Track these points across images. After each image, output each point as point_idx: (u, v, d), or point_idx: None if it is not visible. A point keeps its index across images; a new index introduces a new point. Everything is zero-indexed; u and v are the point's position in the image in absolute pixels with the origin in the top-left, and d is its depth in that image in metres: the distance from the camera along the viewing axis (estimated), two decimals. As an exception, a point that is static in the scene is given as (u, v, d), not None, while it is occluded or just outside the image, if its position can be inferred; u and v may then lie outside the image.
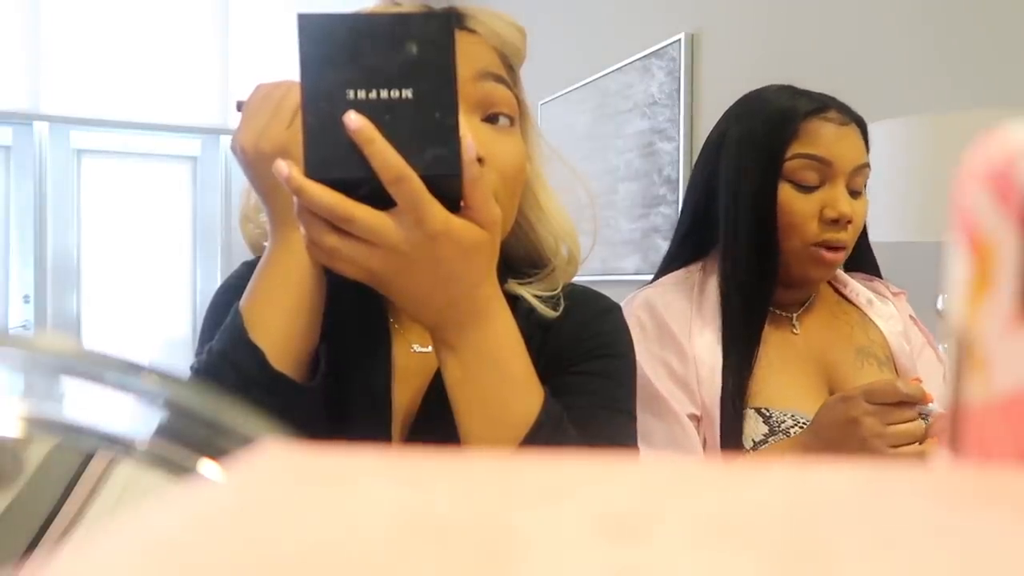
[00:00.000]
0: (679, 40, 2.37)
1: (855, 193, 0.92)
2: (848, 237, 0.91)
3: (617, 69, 2.67)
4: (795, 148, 0.90)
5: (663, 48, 2.44)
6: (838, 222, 0.89)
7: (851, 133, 0.92)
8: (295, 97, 0.56)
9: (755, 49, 2.14)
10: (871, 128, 1.31)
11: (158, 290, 3.63)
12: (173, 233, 3.67)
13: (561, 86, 2.98)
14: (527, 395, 0.53)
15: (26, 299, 3.39)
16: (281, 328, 0.56)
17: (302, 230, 0.46)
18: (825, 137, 0.90)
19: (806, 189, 0.90)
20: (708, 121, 1.03)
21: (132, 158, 3.61)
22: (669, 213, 2.41)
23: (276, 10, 3.48)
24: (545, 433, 0.52)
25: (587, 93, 2.86)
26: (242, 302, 0.58)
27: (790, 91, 0.95)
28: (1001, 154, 0.17)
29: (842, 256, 0.92)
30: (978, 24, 1.58)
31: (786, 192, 0.90)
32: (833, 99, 0.94)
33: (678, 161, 2.38)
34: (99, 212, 3.54)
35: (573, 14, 2.94)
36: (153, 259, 3.63)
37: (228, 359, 0.55)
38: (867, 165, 0.93)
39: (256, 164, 0.56)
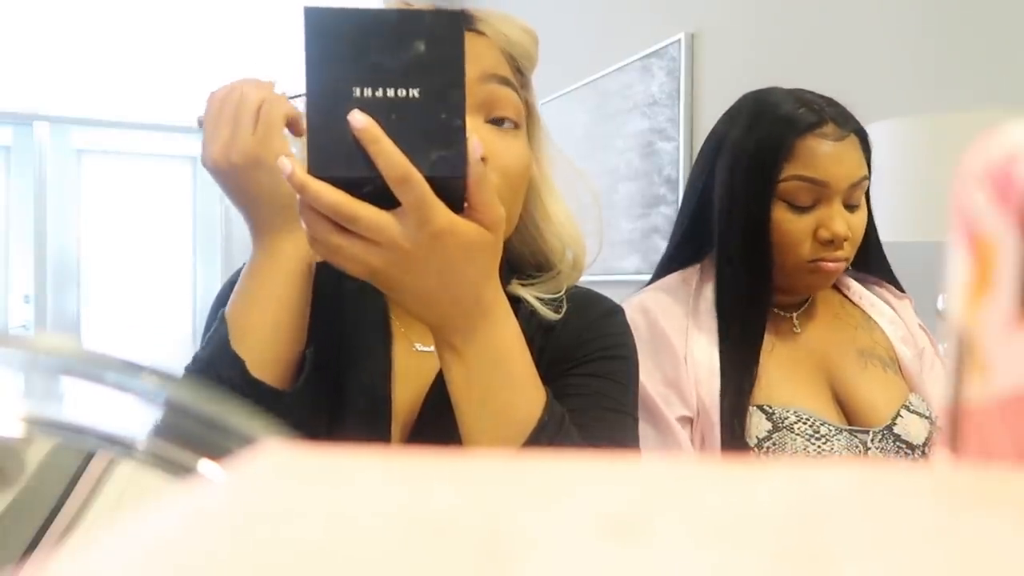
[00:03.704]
0: (679, 40, 2.37)
1: (852, 207, 0.90)
2: (845, 254, 0.90)
3: (617, 69, 2.67)
4: (789, 169, 0.88)
5: (663, 48, 2.44)
6: (832, 242, 0.88)
7: (848, 148, 0.88)
8: (253, 98, 0.56)
9: (755, 49, 2.14)
10: (871, 128, 1.32)
11: (158, 290, 3.63)
12: (173, 233, 3.67)
13: (561, 86, 2.98)
14: (530, 396, 0.53)
15: (26, 299, 3.39)
16: (264, 336, 0.57)
17: (303, 226, 0.46)
18: (820, 157, 0.87)
19: (800, 210, 0.88)
20: (708, 121, 1.02)
21: (132, 158, 3.61)
22: (669, 213, 2.41)
23: (277, 10, 3.48)
24: (547, 434, 0.52)
25: (587, 93, 2.86)
26: (227, 308, 0.59)
27: (790, 99, 0.91)
28: (1001, 154, 0.17)
29: (842, 266, 0.91)
30: (978, 24, 1.58)
31: (780, 212, 0.89)
32: (833, 106, 0.91)
33: (678, 161, 2.38)
34: (99, 212, 3.54)
35: (573, 14, 2.94)
36: (153, 259, 3.63)
37: (212, 367, 0.56)
38: (865, 178, 0.90)
39: (229, 176, 0.56)
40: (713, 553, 0.11)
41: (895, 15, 1.75)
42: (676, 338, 0.92)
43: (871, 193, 1.00)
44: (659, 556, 0.11)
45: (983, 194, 0.18)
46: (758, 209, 0.89)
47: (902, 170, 1.27)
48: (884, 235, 1.23)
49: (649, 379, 0.90)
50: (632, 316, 0.94)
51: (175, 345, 3.55)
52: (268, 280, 0.58)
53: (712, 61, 2.30)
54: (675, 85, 2.39)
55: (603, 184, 2.72)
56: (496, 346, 0.51)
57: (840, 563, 0.11)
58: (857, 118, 0.94)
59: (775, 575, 0.10)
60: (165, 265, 3.65)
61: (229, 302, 0.59)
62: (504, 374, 0.52)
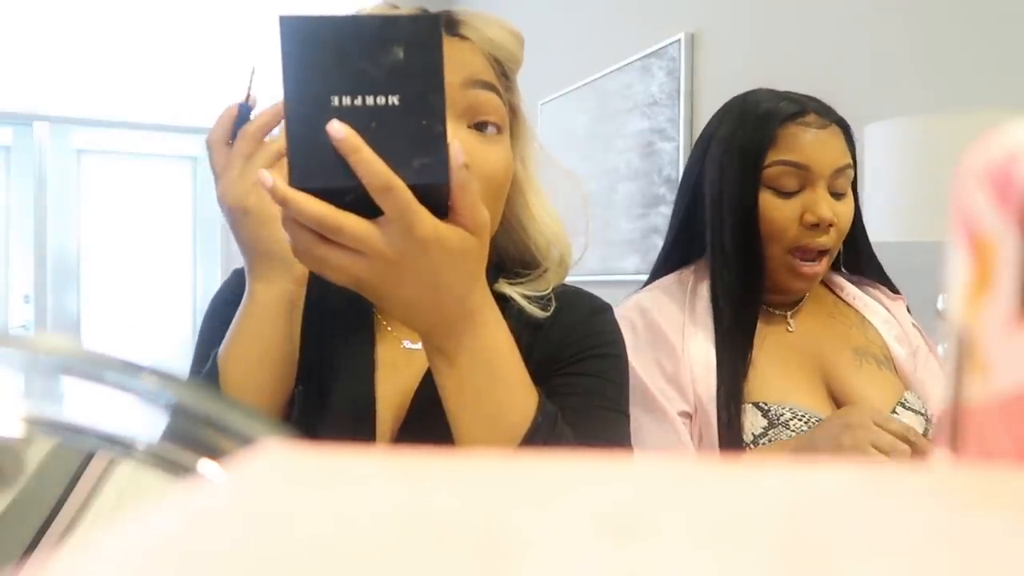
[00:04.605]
0: (679, 40, 2.37)
1: (838, 195, 0.92)
2: (830, 241, 0.91)
3: (617, 69, 2.67)
4: (773, 155, 0.90)
5: (663, 48, 2.44)
6: (818, 226, 0.90)
7: (830, 136, 0.91)
8: (272, 151, 0.57)
9: (755, 49, 2.14)
10: (871, 128, 1.32)
11: (158, 290, 3.63)
12: (173, 233, 3.67)
13: (561, 86, 2.98)
14: (522, 398, 0.53)
15: (26, 299, 3.39)
16: (253, 381, 0.59)
17: (287, 237, 0.46)
18: (803, 142, 0.90)
19: (786, 195, 0.91)
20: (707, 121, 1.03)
21: (132, 158, 3.61)
22: (669, 213, 2.40)
23: (276, 10, 3.48)
24: (541, 435, 0.52)
25: (587, 93, 2.86)
26: (221, 349, 0.60)
27: (773, 95, 0.95)
28: (1001, 154, 0.17)
29: (822, 265, 0.93)
30: (976, 24, 1.58)
31: (766, 199, 0.91)
32: (815, 100, 0.94)
33: (678, 161, 2.38)
34: (99, 212, 3.54)
35: (573, 14, 2.94)
36: (153, 259, 3.63)
37: None
38: (849, 166, 0.92)
39: (225, 214, 0.59)
40: (711, 553, 0.11)
41: (894, 16, 1.75)
42: (673, 335, 0.93)
43: (869, 193, 1.00)
44: (656, 556, 0.11)
45: (983, 194, 0.18)
46: (746, 197, 0.92)
47: (902, 170, 1.27)
48: (883, 235, 1.23)
49: (648, 374, 0.91)
50: (630, 315, 0.95)
51: (175, 345, 3.55)
52: (248, 324, 0.59)
53: (712, 61, 2.30)
54: (675, 85, 2.39)
55: (603, 184, 2.72)
56: (486, 349, 0.51)
57: (839, 563, 0.11)
58: (856, 118, 0.96)
59: (774, 575, 0.10)
60: (165, 265, 3.65)
61: (223, 342, 0.60)
62: (495, 377, 0.52)
